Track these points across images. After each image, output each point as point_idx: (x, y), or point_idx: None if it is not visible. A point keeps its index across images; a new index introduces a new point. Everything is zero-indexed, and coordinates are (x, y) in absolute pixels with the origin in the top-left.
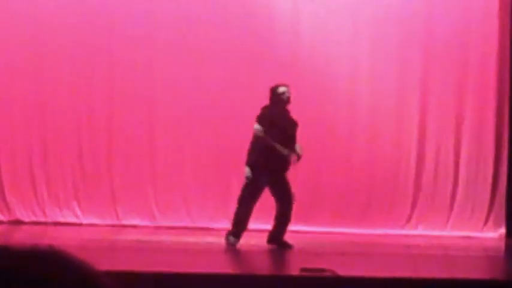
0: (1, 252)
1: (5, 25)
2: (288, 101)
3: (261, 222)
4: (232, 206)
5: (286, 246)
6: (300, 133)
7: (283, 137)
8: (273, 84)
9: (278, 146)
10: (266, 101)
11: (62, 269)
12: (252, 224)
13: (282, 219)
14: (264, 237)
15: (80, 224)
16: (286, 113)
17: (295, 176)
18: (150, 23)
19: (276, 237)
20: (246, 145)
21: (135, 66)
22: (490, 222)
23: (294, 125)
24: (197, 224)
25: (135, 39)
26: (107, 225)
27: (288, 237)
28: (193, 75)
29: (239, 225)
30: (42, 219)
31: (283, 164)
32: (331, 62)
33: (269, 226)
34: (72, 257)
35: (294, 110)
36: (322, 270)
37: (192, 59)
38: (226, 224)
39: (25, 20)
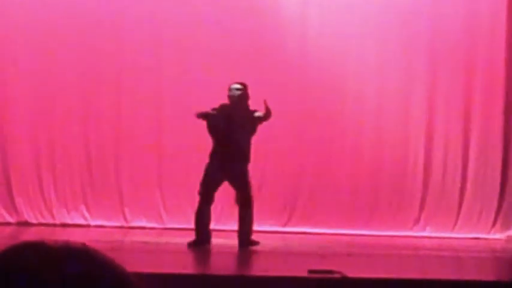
0: (36, 247)
1: (13, 27)
2: (231, 99)
3: (269, 224)
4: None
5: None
6: (307, 133)
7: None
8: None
9: None
10: (275, 100)
11: (95, 266)
12: (259, 226)
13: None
14: (273, 239)
15: (88, 226)
16: (231, 110)
17: (302, 177)
18: (159, 24)
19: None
20: (253, 148)
21: (143, 69)
22: (498, 224)
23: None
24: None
25: (142, 42)
26: (114, 227)
27: (296, 239)
28: (200, 77)
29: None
30: (50, 221)
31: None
32: (338, 61)
33: (277, 228)
34: (103, 255)
35: (302, 110)
36: (330, 271)
37: (199, 60)
38: (233, 226)
39: (33, 22)
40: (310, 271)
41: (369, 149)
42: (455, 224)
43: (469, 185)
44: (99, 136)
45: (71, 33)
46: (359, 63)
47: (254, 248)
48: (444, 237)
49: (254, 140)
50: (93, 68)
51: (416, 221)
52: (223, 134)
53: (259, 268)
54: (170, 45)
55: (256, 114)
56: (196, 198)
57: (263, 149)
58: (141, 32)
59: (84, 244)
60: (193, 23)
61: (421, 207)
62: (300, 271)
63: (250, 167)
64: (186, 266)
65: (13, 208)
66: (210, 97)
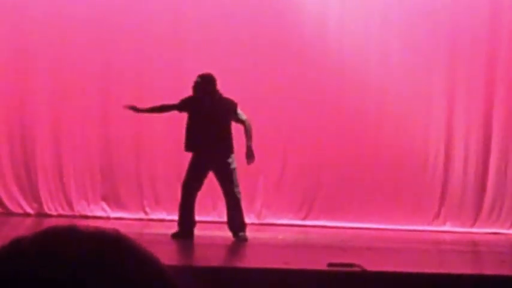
0: (67, 232)
1: (34, 23)
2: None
3: (289, 218)
4: (258, 201)
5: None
6: (327, 127)
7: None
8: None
9: None
10: (292, 95)
11: (127, 252)
12: (279, 219)
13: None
14: (293, 232)
15: (108, 218)
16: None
17: (322, 171)
18: (179, 21)
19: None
20: (271, 141)
21: (164, 64)
22: None
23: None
24: (224, 218)
25: (162, 39)
26: (134, 219)
27: (315, 232)
28: (219, 73)
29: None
30: (70, 213)
31: None
32: (359, 55)
33: (297, 221)
34: (134, 242)
35: (323, 104)
36: (350, 265)
37: (218, 56)
38: (253, 219)
39: (54, 18)
40: (330, 264)
41: (389, 143)
42: (476, 219)
43: (489, 180)
44: (119, 128)
45: (92, 29)
46: (380, 57)
47: (277, 241)
48: (464, 232)
49: (274, 134)
50: (113, 63)
51: (437, 215)
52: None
53: (280, 261)
54: (191, 43)
55: (239, 115)
56: (215, 191)
57: (283, 143)
58: (161, 28)
59: (116, 230)
60: (214, 20)
61: (441, 202)
62: (320, 264)
63: (271, 160)
64: (205, 258)
65: (33, 199)
66: (230, 92)
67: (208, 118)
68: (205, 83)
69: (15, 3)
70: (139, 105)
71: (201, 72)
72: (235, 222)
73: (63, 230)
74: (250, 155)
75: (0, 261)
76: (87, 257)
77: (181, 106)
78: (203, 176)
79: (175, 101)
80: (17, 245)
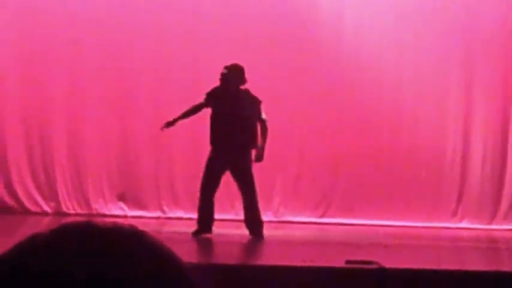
0: (84, 227)
1: (55, 23)
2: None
3: (306, 215)
4: (276, 199)
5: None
6: (344, 124)
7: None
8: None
9: None
10: (309, 93)
11: (144, 248)
12: (297, 217)
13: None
14: (310, 230)
15: (125, 217)
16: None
17: (339, 168)
18: (198, 18)
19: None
20: (288, 139)
21: (183, 61)
22: None
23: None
24: (241, 216)
25: (181, 36)
26: (152, 218)
27: (333, 230)
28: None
29: None
30: (88, 212)
31: None
32: (375, 51)
33: (314, 219)
34: (152, 237)
35: (340, 101)
36: (368, 262)
37: (234, 55)
38: (270, 217)
39: (73, 17)
40: (348, 261)
41: (406, 140)
42: (494, 216)
43: (507, 177)
44: (136, 127)
45: (108, 29)
46: (396, 54)
47: (294, 238)
48: (482, 229)
49: (292, 132)
50: (131, 62)
51: (454, 212)
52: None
53: (298, 258)
54: (207, 41)
55: (261, 114)
56: (232, 189)
57: (300, 141)
58: (180, 25)
59: (133, 225)
60: (232, 18)
61: (459, 199)
62: (338, 261)
63: (289, 158)
64: (222, 256)
65: (51, 198)
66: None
67: (232, 111)
68: (233, 74)
69: (31, 5)
70: (170, 118)
71: (229, 63)
72: (252, 220)
73: (80, 226)
74: (259, 156)
75: (17, 256)
76: (104, 252)
77: (208, 101)
78: (220, 172)
79: (198, 98)
80: (34, 241)
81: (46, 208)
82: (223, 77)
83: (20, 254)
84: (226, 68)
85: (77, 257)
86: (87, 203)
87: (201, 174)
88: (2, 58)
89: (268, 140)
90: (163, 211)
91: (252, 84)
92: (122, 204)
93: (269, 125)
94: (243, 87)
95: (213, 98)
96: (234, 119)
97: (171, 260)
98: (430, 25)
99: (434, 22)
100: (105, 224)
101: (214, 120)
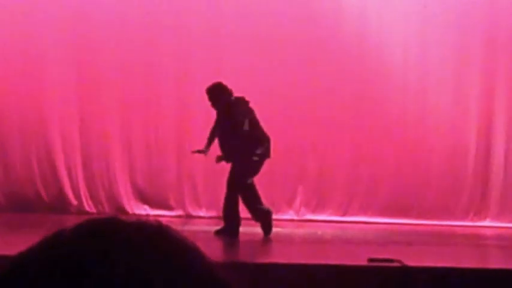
0: (111, 222)
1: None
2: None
3: (328, 214)
4: (298, 198)
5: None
6: (366, 124)
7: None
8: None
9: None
10: (332, 93)
11: (170, 244)
12: (319, 216)
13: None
14: (333, 228)
15: (147, 216)
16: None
17: (361, 167)
18: (217, 16)
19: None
20: (310, 138)
21: (204, 62)
22: None
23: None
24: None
25: (202, 33)
26: (173, 216)
27: (355, 228)
28: (259, 69)
29: None
30: (110, 210)
31: None
32: (396, 52)
33: (336, 217)
34: (178, 233)
35: (359, 102)
36: (390, 260)
37: (254, 56)
38: (292, 215)
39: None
40: (370, 259)
41: (430, 139)
42: None
43: None
44: (160, 127)
45: (137, 26)
46: (420, 54)
47: (317, 237)
48: (505, 227)
49: (313, 131)
50: (154, 59)
51: (477, 211)
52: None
53: (321, 256)
54: (229, 37)
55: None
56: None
57: (322, 140)
58: (201, 23)
59: (159, 221)
60: (247, 18)
61: (482, 197)
62: (360, 259)
63: (311, 159)
64: (250, 254)
65: (74, 197)
66: (268, 91)
67: (225, 126)
68: (215, 94)
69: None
70: (201, 147)
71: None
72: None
73: (105, 220)
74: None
75: (43, 251)
76: (130, 246)
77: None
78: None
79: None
80: (60, 234)
81: (69, 207)
82: (210, 101)
83: (46, 248)
84: (206, 92)
85: (102, 250)
86: (110, 202)
87: (221, 173)
88: (62, 63)
89: (292, 138)
90: (185, 210)
91: (276, 86)
92: (143, 203)
93: (291, 121)
94: (232, 98)
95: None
96: (226, 133)
97: (198, 255)
98: (454, 24)
99: (458, 21)
100: (130, 219)
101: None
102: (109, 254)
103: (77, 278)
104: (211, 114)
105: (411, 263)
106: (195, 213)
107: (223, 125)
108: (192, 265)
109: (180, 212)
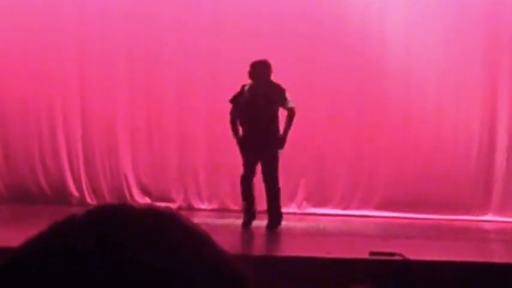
0: (121, 207)
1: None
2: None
3: (330, 207)
4: (300, 191)
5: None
6: (366, 119)
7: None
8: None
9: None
10: (334, 86)
11: (179, 227)
12: (321, 209)
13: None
14: (334, 222)
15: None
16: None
17: (363, 161)
18: (216, 18)
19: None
20: (312, 131)
21: (207, 57)
22: None
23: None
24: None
25: (203, 25)
26: (175, 209)
27: (357, 222)
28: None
29: None
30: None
31: None
32: (400, 46)
33: (338, 211)
34: (188, 219)
35: (361, 96)
36: (391, 254)
37: (262, 49)
38: (294, 209)
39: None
40: (372, 253)
41: (432, 134)
42: None
43: None
44: (162, 121)
45: (141, 18)
46: (421, 47)
47: (318, 230)
48: (508, 222)
49: (313, 125)
50: (157, 50)
51: (480, 205)
52: (250, 115)
53: (322, 250)
54: (231, 33)
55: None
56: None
57: (323, 135)
58: (204, 18)
59: (169, 208)
60: (257, 12)
61: (485, 191)
62: (362, 253)
63: (311, 153)
64: (253, 247)
65: (76, 189)
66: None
67: (257, 105)
68: (258, 70)
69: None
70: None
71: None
72: (272, 212)
73: (116, 206)
74: (281, 143)
75: (53, 236)
76: (140, 232)
77: (235, 107)
78: (254, 162)
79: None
80: (70, 220)
81: (70, 199)
82: (250, 74)
83: (56, 234)
84: (251, 65)
85: (112, 237)
86: (112, 194)
87: (232, 170)
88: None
89: (294, 132)
90: (188, 203)
91: (277, 81)
92: (147, 197)
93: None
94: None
95: (237, 100)
96: (257, 112)
97: (208, 241)
98: (457, 20)
99: (462, 17)
100: (139, 205)
101: (241, 117)
102: (119, 239)
103: (86, 264)
104: (213, 106)
105: (412, 256)
106: (196, 206)
107: (259, 105)
108: (205, 252)
109: (181, 204)
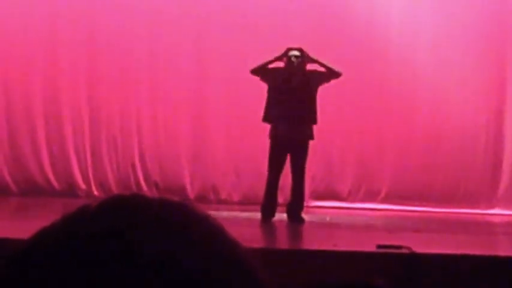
0: (135, 198)
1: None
2: (290, 65)
3: (337, 200)
4: (306, 184)
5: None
6: (372, 112)
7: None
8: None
9: None
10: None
11: (194, 219)
12: (327, 202)
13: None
14: (341, 215)
15: None
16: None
17: (369, 153)
18: (217, 15)
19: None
20: (319, 124)
21: (218, 51)
22: None
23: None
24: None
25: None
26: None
27: (363, 215)
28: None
29: None
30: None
31: None
32: (407, 35)
33: (345, 204)
34: (202, 211)
35: (366, 86)
36: (398, 247)
37: (264, 31)
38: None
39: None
40: (379, 246)
41: (439, 127)
42: None
43: None
44: (170, 111)
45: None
46: (429, 38)
47: (325, 223)
48: None
49: (319, 119)
50: (163, 46)
51: (487, 198)
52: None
53: (329, 242)
54: (235, 30)
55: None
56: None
57: (329, 128)
58: (211, 12)
59: (183, 199)
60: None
61: (492, 185)
62: (369, 246)
63: (317, 146)
64: (260, 239)
65: (83, 182)
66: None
67: (294, 89)
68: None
69: None
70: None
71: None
72: (295, 204)
73: (130, 196)
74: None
75: (66, 224)
76: (154, 222)
77: (267, 73)
78: (284, 156)
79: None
80: (84, 210)
81: (79, 192)
82: (298, 64)
83: (69, 224)
84: (298, 55)
85: (126, 228)
86: (119, 186)
87: (241, 165)
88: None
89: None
90: (195, 195)
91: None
92: (154, 191)
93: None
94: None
95: (272, 75)
96: (294, 97)
97: (223, 233)
98: (464, 15)
99: (469, 13)
100: (152, 196)
101: (272, 99)
102: (132, 230)
103: (99, 254)
104: (226, 95)
105: (420, 249)
106: (206, 198)
107: (300, 87)
108: (219, 244)
109: (189, 196)
